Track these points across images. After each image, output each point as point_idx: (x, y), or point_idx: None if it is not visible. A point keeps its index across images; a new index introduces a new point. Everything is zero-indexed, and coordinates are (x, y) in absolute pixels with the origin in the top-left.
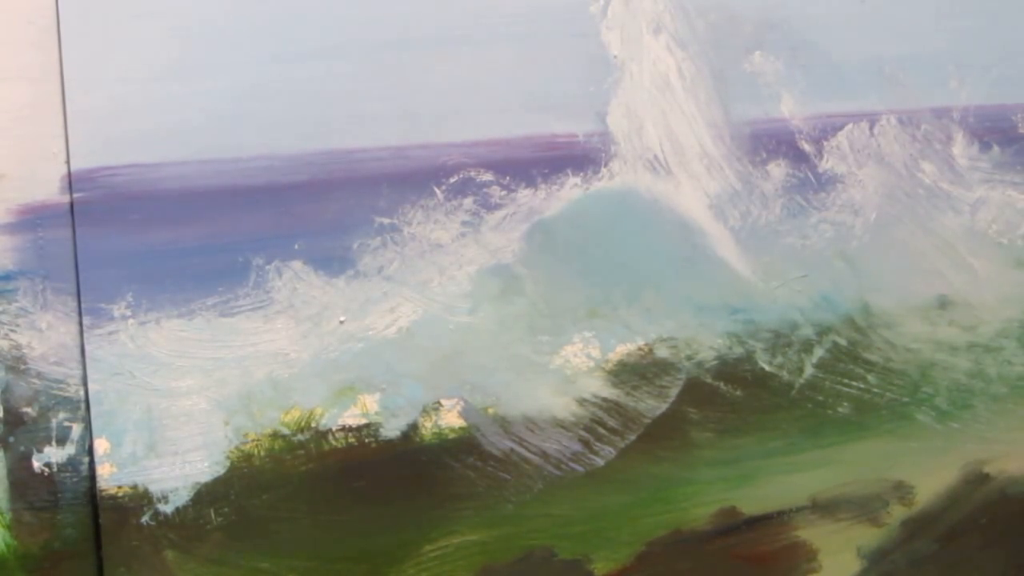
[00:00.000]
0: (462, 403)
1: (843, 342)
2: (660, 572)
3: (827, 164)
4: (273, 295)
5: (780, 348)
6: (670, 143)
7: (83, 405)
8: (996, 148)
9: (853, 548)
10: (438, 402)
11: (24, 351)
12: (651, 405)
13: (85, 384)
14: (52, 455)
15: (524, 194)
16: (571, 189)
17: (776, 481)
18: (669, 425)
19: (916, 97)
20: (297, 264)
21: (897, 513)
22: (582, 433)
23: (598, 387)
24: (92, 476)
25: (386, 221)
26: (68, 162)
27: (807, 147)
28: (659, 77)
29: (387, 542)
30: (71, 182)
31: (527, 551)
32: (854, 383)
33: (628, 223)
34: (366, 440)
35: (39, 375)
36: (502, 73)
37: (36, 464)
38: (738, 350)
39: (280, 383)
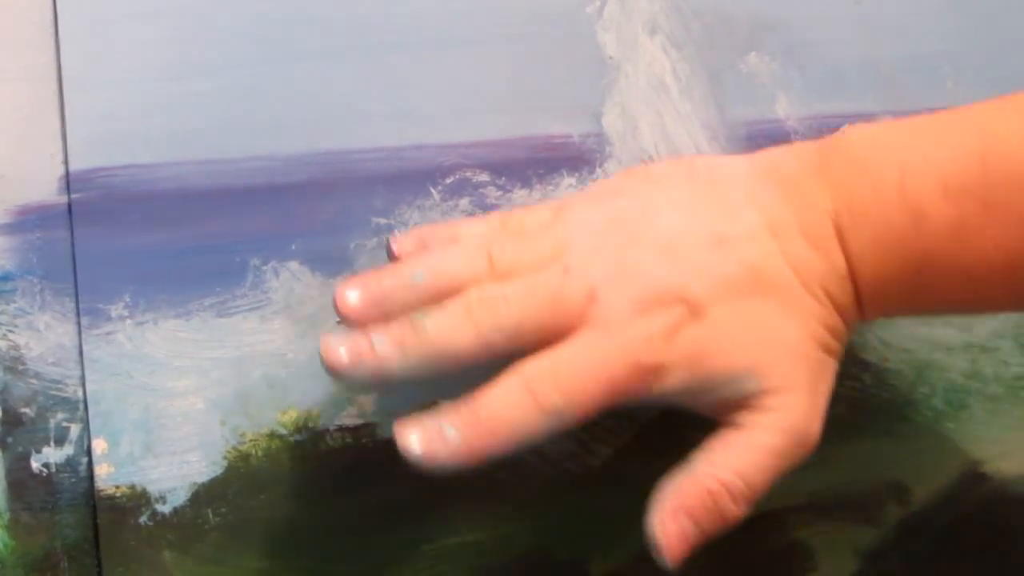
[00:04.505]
0: None
1: None
2: (658, 572)
3: None
4: (270, 295)
5: None
6: (665, 144)
7: (81, 405)
8: None
9: (850, 548)
10: (435, 402)
11: (22, 351)
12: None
13: (83, 384)
14: (50, 455)
15: (520, 194)
16: (566, 190)
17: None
18: (667, 425)
19: (913, 98)
20: (294, 264)
21: (894, 513)
22: (579, 433)
23: None
24: (90, 476)
25: (383, 221)
26: (66, 163)
27: None
28: (654, 78)
29: (385, 542)
30: (69, 183)
31: (525, 551)
32: (850, 383)
33: None
34: (364, 440)
35: (37, 375)
36: (497, 74)
37: (34, 465)
38: None
39: (277, 383)
